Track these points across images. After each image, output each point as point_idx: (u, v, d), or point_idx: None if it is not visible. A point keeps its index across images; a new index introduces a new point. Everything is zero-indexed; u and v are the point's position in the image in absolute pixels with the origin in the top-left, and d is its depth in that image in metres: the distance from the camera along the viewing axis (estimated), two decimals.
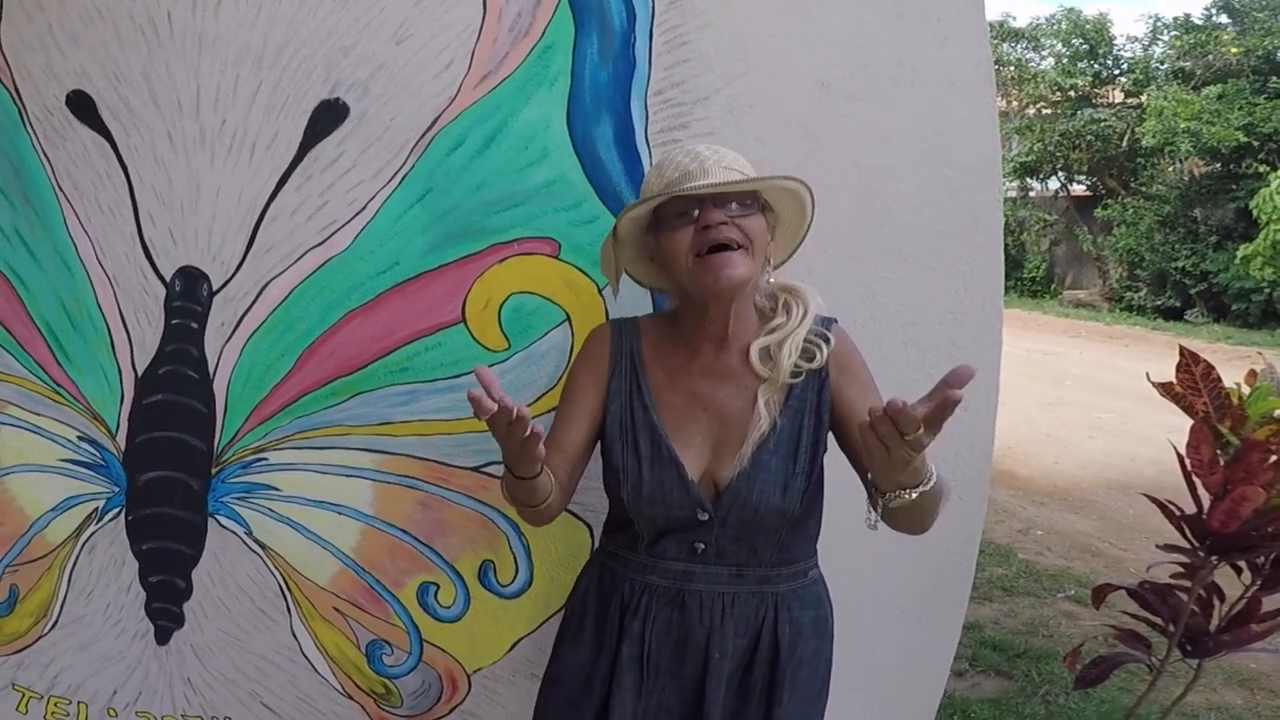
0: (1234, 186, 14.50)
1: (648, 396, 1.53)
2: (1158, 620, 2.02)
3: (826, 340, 1.50)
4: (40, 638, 2.07)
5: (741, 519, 1.48)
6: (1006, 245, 2.01)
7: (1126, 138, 16.30)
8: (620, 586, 1.57)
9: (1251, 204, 12.70)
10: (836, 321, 1.56)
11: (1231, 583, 2.01)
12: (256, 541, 1.98)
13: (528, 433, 1.29)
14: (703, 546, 1.51)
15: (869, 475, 1.37)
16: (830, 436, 1.55)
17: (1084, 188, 18.09)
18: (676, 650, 1.53)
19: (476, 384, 1.24)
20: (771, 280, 1.54)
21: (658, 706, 1.54)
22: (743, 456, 1.47)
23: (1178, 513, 1.96)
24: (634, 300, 1.83)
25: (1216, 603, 2.02)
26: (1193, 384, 1.92)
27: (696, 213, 1.43)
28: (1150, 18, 24.37)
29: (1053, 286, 18.21)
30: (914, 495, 1.31)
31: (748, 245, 1.44)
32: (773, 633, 1.52)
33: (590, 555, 1.72)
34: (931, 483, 1.31)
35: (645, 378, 1.55)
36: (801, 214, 1.55)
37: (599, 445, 1.58)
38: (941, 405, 1.14)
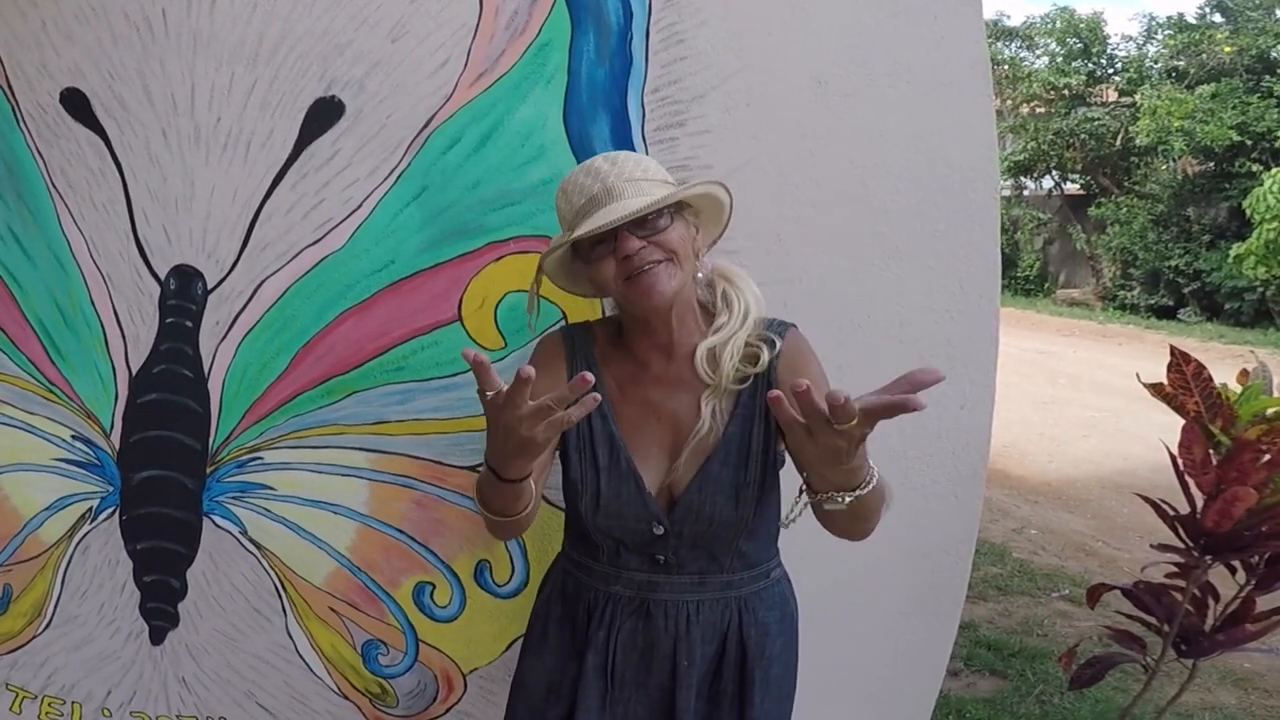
0: (1227, 185, 14.53)
1: (605, 405, 1.48)
2: (1152, 620, 2.02)
3: (771, 344, 1.47)
4: (34, 638, 2.06)
5: (696, 530, 1.46)
6: (1001, 244, 2.01)
7: (1120, 137, 16.32)
8: (585, 595, 1.55)
9: (1245, 203, 12.70)
10: (795, 326, 1.53)
11: (1226, 582, 2.01)
12: (251, 541, 1.98)
13: (529, 405, 1.20)
14: (662, 558, 1.49)
15: (803, 473, 1.31)
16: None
17: (1078, 186, 18.11)
18: (642, 660, 1.50)
19: (474, 384, 1.21)
20: (701, 275, 1.50)
21: (624, 716, 1.51)
22: (680, 465, 1.45)
23: (1171, 513, 1.96)
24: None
25: (1211, 602, 2.02)
26: (1184, 384, 1.92)
27: (615, 240, 1.39)
28: (1144, 17, 24.53)
29: (1046, 285, 18.24)
30: (846, 500, 1.26)
31: (673, 257, 1.40)
32: (738, 635, 1.51)
33: (552, 562, 1.69)
34: (869, 487, 1.26)
35: (602, 386, 1.48)
36: (719, 204, 1.51)
37: (561, 455, 1.54)
38: (896, 406, 1.11)
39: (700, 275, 1.50)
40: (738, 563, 1.51)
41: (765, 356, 1.45)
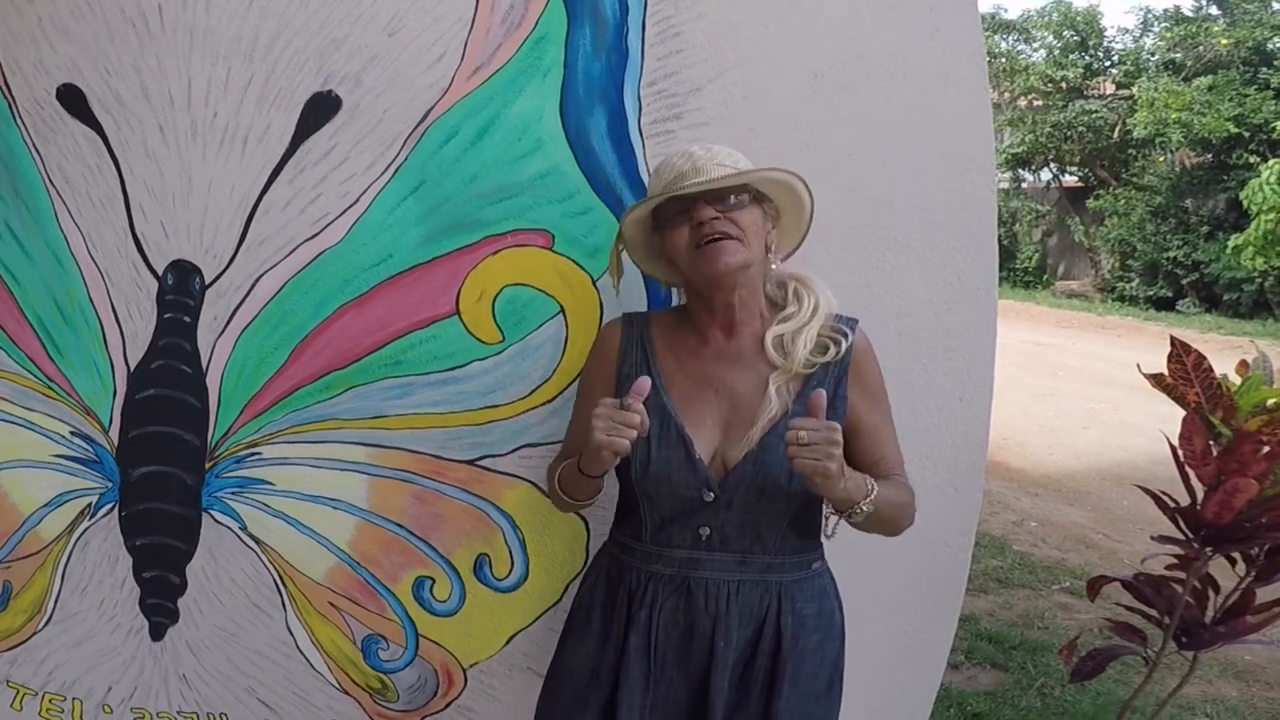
0: (1225, 177, 14.54)
1: (658, 379, 1.56)
2: (1153, 612, 2.02)
3: (845, 336, 1.54)
4: (34, 634, 2.06)
5: (747, 501, 1.50)
6: (999, 236, 2.02)
7: (1118, 129, 16.33)
8: (627, 576, 1.59)
9: (1242, 194, 12.71)
10: (858, 323, 1.59)
11: (1226, 574, 2.01)
12: (251, 536, 1.98)
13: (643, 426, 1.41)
14: (707, 531, 1.52)
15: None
16: None
17: (1076, 179, 18.13)
18: (683, 640, 1.54)
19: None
20: (777, 267, 1.59)
21: (665, 698, 1.55)
22: (751, 439, 1.50)
23: (1172, 504, 1.96)
24: (628, 293, 1.83)
25: (1211, 594, 2.02)
26: (1184, 375, 1.92)
27: (691, 210, 1.48)
28: (1141, 10, 24.49)
29: (1045, 277, 18.25)
30: (856, 517, 1.46)
31: (742, 236, 1.48)
32: (775, 623, 1.53)
33: (600, 548, 1.73)
34: (860, 515, 1.44)
35: (655, 362, 1.59)
36: (799, 203, 1.58)
37: None
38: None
39: (775, 268, 1.59)
40: (781, 545, 1.55)
41: (842, 345, 1.54)
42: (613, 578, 1.62)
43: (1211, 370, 1.91)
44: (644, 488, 1.54)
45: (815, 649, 1.56)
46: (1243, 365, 1.99)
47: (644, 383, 1.42)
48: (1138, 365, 2.11)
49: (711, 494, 1.51)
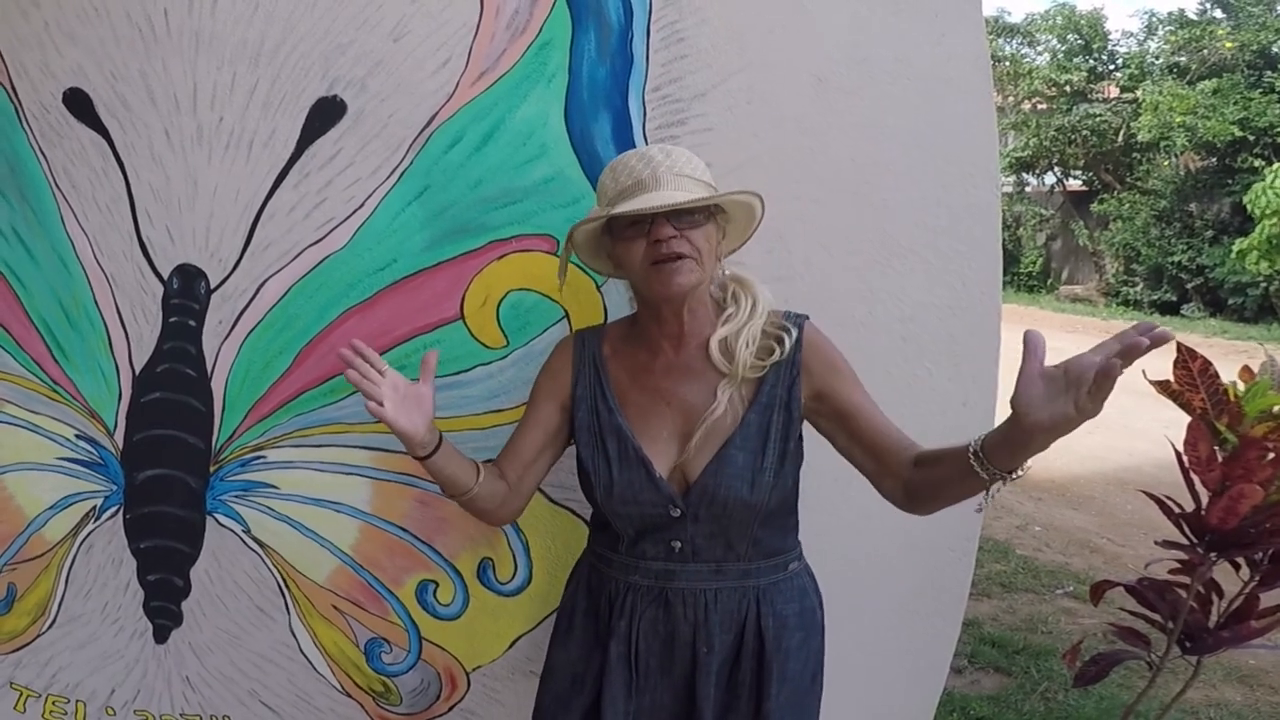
0: (1230, 181, 14.52)
1: (611, 399, 1.56)
2: (1157, 617, 2.02)
3: (788, 333, 1.51)
4: (38, 636, 2.06)
5: (711, 514, 1.49)
6: (1003, 240, 2.02)
7: (1122, 133, 16.30)
8: (607, 586, 1.58)
9: (1247, 198, 12.69)
10: (809, 318, 1.57)
11: (1230, 579, 2.01)
12: (255, 539, 1.98)
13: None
14: (679, 544, 1.52)
15: (980, 457, 1.32)
16: (824, 439, 1.57)
17: (1080, 183, 18.10)
18: (665, 648, 1.54)
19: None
20: (725, 272, 1.57)
21: (651, 705, 1.55)
22: (691, 448, 1.48)
23: (1176, 509, 1.95)
24: (625, 296, 1.83)
25: (1215, 599, 2.01)
26: (1190, 380, 1.91)
27: (649, 224, 1.45)
28: (1145, 13, 24.45)
29: (1049, 282, 18.22)
30: (1015, 477, 1.32)
31: (696, 255, 1.46)
32: (756, 626, 1.53)
33: (579, 557, 1.72)
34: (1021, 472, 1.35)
35: (608, 381, 1.58)
36: (751, 215, 1.57)
37: (576, 452, 1.61)
38: (1131, 349, 1.17)
39: (723, 274, 1.56)
40: (754, 551, 1.54)
41: (786, 344, 1.50)
42: (593, 586, 1.62)
43: (1217, 376, 1.91)
44: (610, 508, 1.53)
45: (799, 646, 1.56)
46: (1246, 370, 1.98)
47: (431, 356, 1.52)
48: (1143, 371, 2.10)
49: (678, 510, 1.50)
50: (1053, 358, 1.25)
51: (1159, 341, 1.15)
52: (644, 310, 1.57)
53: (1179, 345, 1.95)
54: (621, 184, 1.48)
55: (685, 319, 1.52)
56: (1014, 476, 1.33)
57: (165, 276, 1.90)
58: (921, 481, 1.45)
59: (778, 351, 1.50)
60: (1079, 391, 1.20)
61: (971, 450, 1.33)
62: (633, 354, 1.58)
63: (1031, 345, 1.25)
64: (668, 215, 1.44)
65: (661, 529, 1.52)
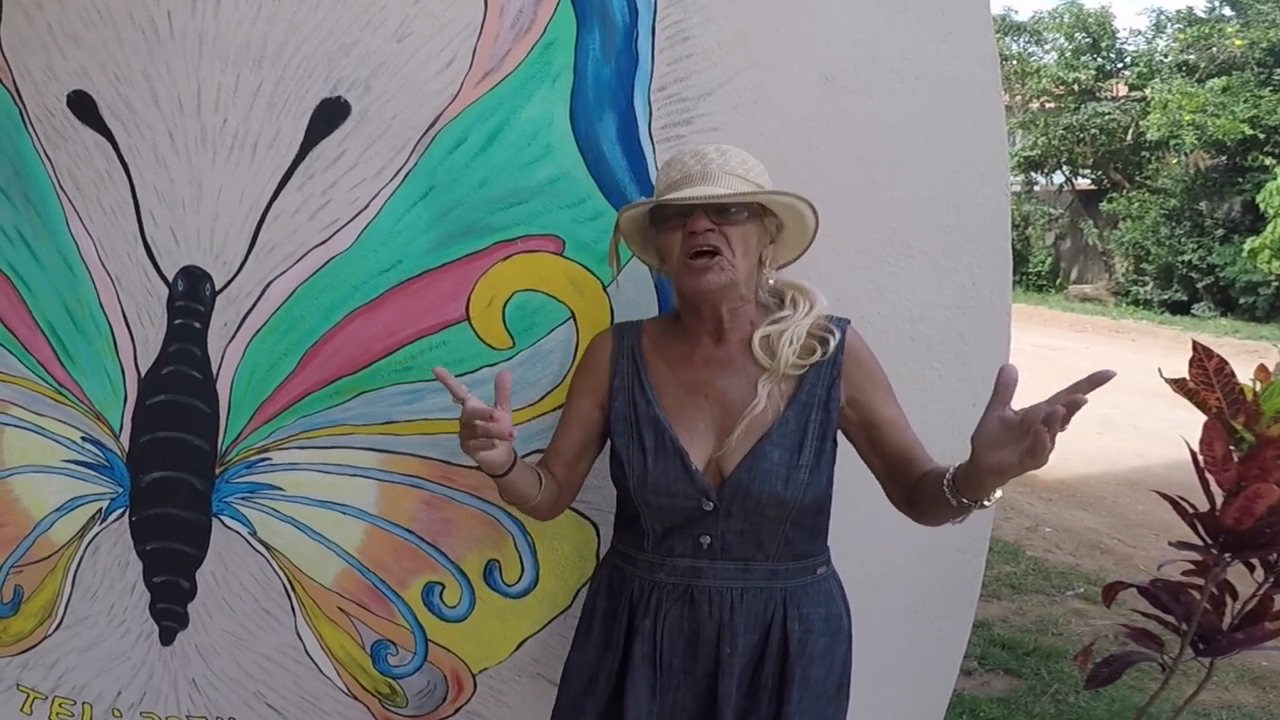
0: (1240, 179, 14.47)
1: (650, 390, 1.56)
2: (1169, 618, 2.00)
3: (832, 335, 1.52)
4: (45, 638, 2.06)
5: (744, 509, 1.49)
6: (1012, 240, 2.01)
7: (1131, 131, 16.26)
8: (629, 585, 1.58)
9: (1258, 197, 12.66)
10: (850, 323, 1.57)
11: (1244, 580, 1.99)
12: (261, 541, 1.97)
13: (494, 446, 1.44)
14: (708, 540, 1.51)
15: (953, 484, 1.38)
16: (844, 439, 1.57)
17: (1089, 182, 18.05)
18: (689, 647, 1.53)
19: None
20: (771, 281, 1.57)
21: (674, 705, 1.54)
22: (732, 441, 1.49)
23: (1190, 510, 1.94)
24: (635, 295, 1.82)
25: (1229, 600, 2.00)
26: (1205, 379, 1.90)
27: (689, 216, 1.47)
28: (1153, 11, 24.36)
29: (1058, 281, 18.18)
30: (992, 500, 1.37)
31: (730, 252, 1.46)
32: (782, 629, 1.52)
33: (603, 556, 1.72)
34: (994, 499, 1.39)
35: (646, 372, 1.58)
36: (803, 223, 1.56)
37: (609, 443, 1.61)
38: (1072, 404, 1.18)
39: (771, 283, 1.57)
40: (783, 551, 1.53)
41: (830, 344, 1.51)
42: (614, 587, 1.61)
43: (1233, 375, 1.90)
44: (642, 499, 1.53)
45: (824, 653, 1.55)
46: (1262, 370, 1.97)
47: (504, 377, 1.47)
48: (1159, 370, 2.08)
49: (710, 503, 1.50)
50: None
51: (1098, 383, 1.19)
52: (685, 303, 1.58)
53: (1194, 344, 1.94)
54: (672, 177, 1.51)
55: (724, 317, 1.53)
56: (981, 506, 1.38)
57: (170, 279, 1.89)
58: (918, 497, 1.50)
59: (819, 352, 1.51)
60: (1027, 442, 1.23)
61: (946, 479, 1.39)
62: (672, 346, 1.59)
63: (1001, 384, 1.28)
64: (707, 209, 1.45)
65: (692, 523, 1.51)
